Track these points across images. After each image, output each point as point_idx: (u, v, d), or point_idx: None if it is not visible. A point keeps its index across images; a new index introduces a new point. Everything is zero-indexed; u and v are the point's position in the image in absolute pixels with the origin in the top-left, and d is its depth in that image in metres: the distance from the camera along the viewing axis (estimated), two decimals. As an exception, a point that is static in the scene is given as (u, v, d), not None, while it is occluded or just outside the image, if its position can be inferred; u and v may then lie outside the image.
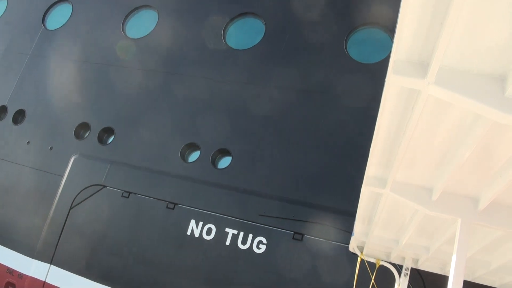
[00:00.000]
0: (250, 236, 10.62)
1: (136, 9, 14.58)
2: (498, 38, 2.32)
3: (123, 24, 14.49)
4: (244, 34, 12.98)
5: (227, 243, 10.71)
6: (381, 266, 8.35)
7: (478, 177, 4.01)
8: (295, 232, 10.37)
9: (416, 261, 7.97)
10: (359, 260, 8.35)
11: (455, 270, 4.19)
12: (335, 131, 10.90)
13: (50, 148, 13.86)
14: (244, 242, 10.61)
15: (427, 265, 7.83)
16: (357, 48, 11.53)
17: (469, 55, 2.48)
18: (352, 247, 8.19)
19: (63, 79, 14.72)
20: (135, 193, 12.02)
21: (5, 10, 17.40)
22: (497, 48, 2.37)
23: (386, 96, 3.06)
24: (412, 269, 8.19)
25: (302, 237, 10.28)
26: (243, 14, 12.98)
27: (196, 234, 11.02)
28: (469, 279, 7.39)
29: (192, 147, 12.16)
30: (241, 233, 10.69)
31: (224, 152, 11.79)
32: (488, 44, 2.37)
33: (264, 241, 10.49)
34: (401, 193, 4.57)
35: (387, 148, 3.97)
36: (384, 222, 6.16)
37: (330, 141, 10.85)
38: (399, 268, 8.27)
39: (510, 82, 2.44)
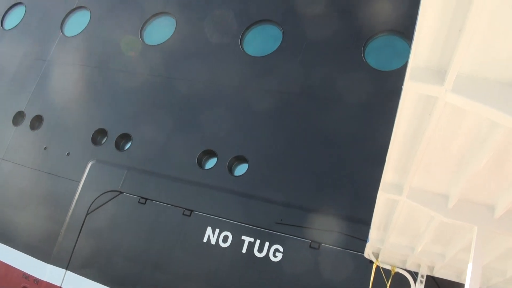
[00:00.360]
0: (267, 244, 10.57)
1: (154, 15, 14.67)
2: None
3: (141, 31, 14.59)
4: (262, 40, 12.99)
5: (244, 250, 10.67)
6: (397, 273, 8.27)
7: (494, 184, 3.99)
8: (312, 241, 10.29)
9: (431, 268, 7.89)
10: (374, 266, 8.30)
11: (471, 278, 4.16)
12: (354, 138, 10.83)
13: (67, 153, 13.96)
14: (260, 250, 10.56)
15: (443, 273, 7.74)
16: (375, 55, 11.47)
17: (487, 63, 2.47)
18: (368, 253, 8.13)
19: (80, 85, 14.84)
20: (152, 200, 12.04)
21: (23, 16, 17.62)
22: None
23: (404, 103, 3.06)
24: (428, 276, 8.10)
25: (319, 245, 10.20)
26: (261, 21, 13.00)
27: (213, 242, 10.99)
28: (484, 287, 7.28)
29: (209, 154, 12.17)
30: (258, 241, 10.64)
31: (241, 159, 11.78)
32: (505, 51, 2.36)
33: (281, 249, 10.43)
34: (417, 200, 4.55)
35: (403, 155, 3.95)
36: (400, 228, 6.12)
37: (349, 149, 10.78)
38: (414, 275, 8.19)
39: None
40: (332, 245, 10.10)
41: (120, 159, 13.01)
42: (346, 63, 11.55)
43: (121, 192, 12.47)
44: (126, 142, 13.43)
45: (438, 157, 3.82)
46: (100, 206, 12.54)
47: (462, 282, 7.47)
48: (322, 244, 10.20)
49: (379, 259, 8.04)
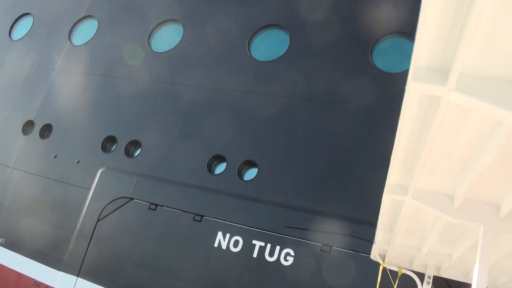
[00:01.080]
0: (278, 248, 10.56)
1: (161, 23, 14.80)
2: None
3: (148, 38, 14.71)
4: (269, 45, 13.06)
5: (255, 255, 10.67)
6: (403, 274, 8.25)
7: (500, 183, 3.98)
8: (323, 244, 10.28)
9: (438, 269, 7.85)
10: (381, 268, 8.29)
11: (478, 278, 4.14)
12: (362, 141, 10.85)
13: (77, 161, 14.05)
14: (271, 254, 10.56)
15: (450, 273, 7.70)
16: (383, 57, 11.50)
17: (490, 61, 2.48)
18: (374, 255, 8.12)
19: (89, 93, 14.96)
20: (162, 206, 12.08)
21: (31, 26, 17.80)
22: None
23: (407, 103, 3.06)
24: (439, 277, 8.08)
25: (331, 249, 10.19)
26: (267, 26, 13.07)
27: (224, 246, 11.00)
28: (491, 286, 7.26)
29: (218, 159, 12.21)
30: (269, 245, 10.65)
31: (250, 164, 11.80)
32: (508, 49, 2.36)
33: (292, 253, 10.42)
34: (422, 200, 4.54)
35: (408, 155, 3.95)
36: (406, 229, 6.12)
37: (357, 152, 10.79)
38: (421, 276, 8.17)
39: None
40: (343, 248, 10.09)
41: (130, 166, 13.08)
42: (354, 66, 11.58)
43: (132, 199, 12.53)
44: (136, 149, 13.51)
45: (443, 157, 3.81)
46: (111, 212, 12.60)
47: (469, 282, 7.44)
48: (333, 248, 10.18)
49: (386, 261, 8.03)
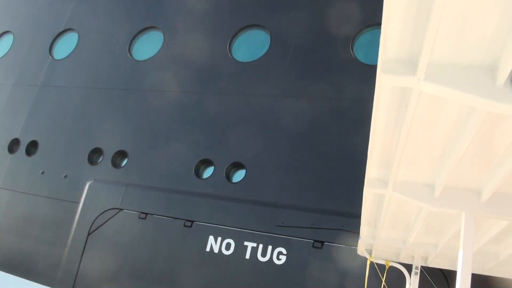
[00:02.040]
0: (270, 247, 10.49)
1: (142, 31, 14.75)
2: (485, 29, 2.30)
3: (129, 47, 14.64)
4: (249, 46, 13.05)
5: (247, 256, 10.59)
6: (392, 267, 8.24)
7: (478, 169, 3.99)
8: (314, 240, 10.22)
9: (425, 259, 7.86)
10: (368, 262, 8.27)
11: (463, 264, 4.15)
12: (347, 135, 10.82)
13: (65, 176, 13.92)
14: (264, 254, 10.49)
15: (437, 262, 7.72)
16: (365, 50, 11.50)
17: (458, 48, 2.47)
18: (361, 250, 8.11)
19: (72, 107, 14.86)
20: (152, 214, 11.98)
21: (12, 44, 17.71)
22: (485, 39, 2.36)
23: (379, 97, 3.03)
24: (436, 269, 8.06)
25: (322, 244, 10.13)
26: (248, 27, 13.06)
27: (216, 250, 10.92)
28: (480, 272, 7.30)
29: (206, 163, 12.14)
30: (260, 245, 10.58)
31: (238, 166, 11.75)
32: (475, 35, 2.35)
33: (284, 251, 10.36)
34: (403, 192, 4.54)
35: (385, 149, 3.93)
36: (390, 222, 6.12)
37: (344, 146, 10.76)
38: (409, 267, 8.13)
39: (500, 72, 2.42)
40: (335, 243, 10.03)
41: (118, 177, 12.98)
42: (335, 61, 11.57)
43: (121, 209, 12.42)
44: (123, 159, 13.41)
45: (420, 148, 3.81)
46: (101, 225, 12.48)
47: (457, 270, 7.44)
48: (325, 243, 10.12)
49: (373, 255, 8.00)
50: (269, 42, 12.52)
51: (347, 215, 10.10)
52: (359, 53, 11.49)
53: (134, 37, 14.78)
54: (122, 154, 13.40)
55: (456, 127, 3.31)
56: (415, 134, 3.46)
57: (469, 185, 4.33)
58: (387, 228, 6.35)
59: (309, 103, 11.50)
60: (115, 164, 13.35)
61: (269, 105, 11.84)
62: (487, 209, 4.31)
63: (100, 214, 12.58)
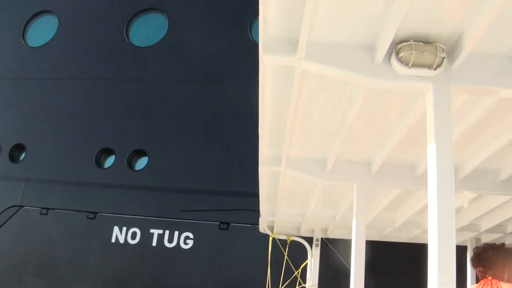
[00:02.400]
0: (176, 233, 10.47)
1: (35, 16, 13.82)
2: (363, 8, 2.35)
3: (23, 33, 13.69)
4: (147, 30, 12.68)
5: (154, 244, 10.53)
6: (294, 241, 8.47)
7: (368, 142, 4.15)
8: (220, 222, 10.31)
9: (325, 231, 8.13)
10: (270, 239, 8.43)
11: (356, 233, 4.35)
12: (250, 115, 10.85)
13: (-41, 176, 13.02)
14: (170, 240, 10.45)
15: (337, 233, 8.00)
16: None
17: (337, 27, 2.50)
18: (262, 228, 8.22)
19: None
20: (54, 209, 11.53)
21: None
22: (362, 17, 2.41)
23: (264, 76, 3.01)
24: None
25: (228, 225, 10.24)
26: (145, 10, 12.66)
27: (121, 240, 10.74)
28: (378, 238, 7.71)
29: (107, 152, 11.79)
30: (167, 232, 10.54)
31: (140, 153, 11.52)
32: (353, 14, 2.39)
33: (191, 235, 10.39)
34: (296, 168, 4.64)
35: (275, 127, 3.94)
36: (288, 198, 6.22)
37: (243, 127, 10.81)
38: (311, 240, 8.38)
39: (378, 50, 2.50)
40: (241, 223, 10.17)
41: (17, 172, 12.32)
42: (229, 42, 11.52)
43: (22, 206, 11.85)
44: (21, 153, 12.72)
45: (309, 125, 3.88)
46: (2, 225, 11.86)
47: None
48: (231, 224, 10.24)
49: (275, 231, 8.16)
50: (167, 26, 12.21)
51: (251, 195, 10.12)
52: (257, 34, 11.48)
53: (27, 22, 13.87)
54: (19, 148, 12.70)
55: (341, 103, 3.39)
56: (303, 111, 3.51)
57: (360, 158, 4.51)
58: (285, 204, 6.48)
59: (207, 88, 11.42)
60: (13, 158, 12.65)
61: (169, 90, 11.63)
62: (377, 180, 4.52)
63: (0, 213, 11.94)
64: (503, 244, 3.68)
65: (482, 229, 6.87)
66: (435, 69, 2.42)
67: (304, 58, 2.56)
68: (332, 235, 8.16)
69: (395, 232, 7.40)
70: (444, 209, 2.25)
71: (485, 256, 3.55)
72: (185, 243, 10.36)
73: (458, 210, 6.16)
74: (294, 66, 2.71)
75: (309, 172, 4.65)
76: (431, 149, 2.39)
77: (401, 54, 2.41)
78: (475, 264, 3.61)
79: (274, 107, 3.53)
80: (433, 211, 2.26)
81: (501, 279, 3.43)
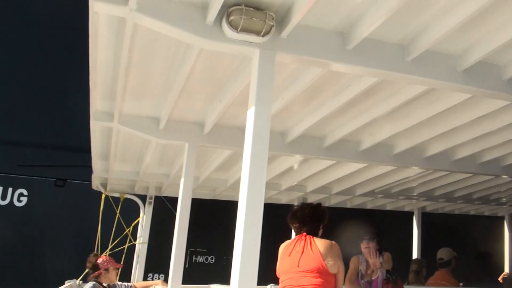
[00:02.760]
0: (10, 189, 9.91)
1: None
2: None
3: None
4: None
5: (-15, 200, 9.96)
6: (127, 199, 8.31)
7: (202, 103, 4.23)
8: (57, 179, 9.86)
9: (160, 189, 8.14)
10: (103, 196, 8.23)
11: (183, 191, 4.53)
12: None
13: None
14: (4, 197, 9.90)
15: (170, 191, 8.04)
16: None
17: None
18: (95, 185, 8.02)
19: None
20: None
21: None
22: None
23: (96, 26, 2.83)
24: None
25: (65, 182, 9.82)
26: None
27: None
28: (211, 197, 8.12)
29: None
30: (0, 188, 9.94)
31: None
32: None
33: (25, 193, 9.87)
34: (129, 125, 4.63)
35: (108, 81, 3.81)
36: (121, 155, 6.19)
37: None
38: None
39: (210, 10, 2.46)
40: (78, 180, 9.76)
41: None
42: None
43: None
44: None
45: (143, 81, 3.82)
46: None
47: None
48: (68, 181, 9.83)
49: (108, 189, 7.97)
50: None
51: (90, 151, 9.79)
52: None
53: None
54: None
55: (174, 61, 3.37)
56: (136, 66, 3.43)
57: (193, 118, 4.59)
58: (119, 161, 6.41)
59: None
60: None
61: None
62: (209, 140, 4.68)
63: None
64: (319, 204, 3.95)
65: (309, 190, 7.47)
66: (263, 36, 2.48)
67: (136, 10, 2.44)
68: (166, 193, 8.21)
69: (227, 191, 7.67)
70: (257, 168, 2.37)
71: (301, 214, 3.78)
72: (19, 201, 9.84)
73: (288, 171, 6.68)
74: (126, 18, 2.60)
75: (142, 130, 4.66)
76: (251, 112, 2.46)
77: (231, 18, 2.42)
78: (291, 221, 3.84)
79: (107, 58, 3.40)
80: (246, 169, 2.36)
81: (315, 235, 3.71)
